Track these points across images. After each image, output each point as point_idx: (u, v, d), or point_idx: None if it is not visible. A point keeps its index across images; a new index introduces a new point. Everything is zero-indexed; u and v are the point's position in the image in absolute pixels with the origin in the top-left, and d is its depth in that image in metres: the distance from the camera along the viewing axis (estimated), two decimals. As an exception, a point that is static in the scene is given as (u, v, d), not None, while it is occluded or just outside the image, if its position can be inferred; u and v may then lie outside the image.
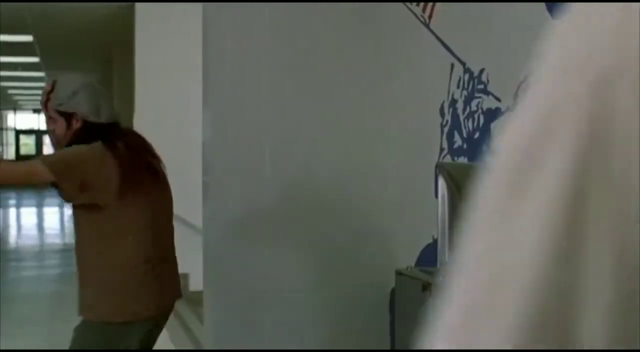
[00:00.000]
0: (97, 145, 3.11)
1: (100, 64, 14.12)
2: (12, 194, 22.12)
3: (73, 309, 6.79)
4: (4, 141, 32.06)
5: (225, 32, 4.05)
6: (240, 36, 4.06)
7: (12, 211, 17.93)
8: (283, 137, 4.13)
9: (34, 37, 11.04)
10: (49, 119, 3.16)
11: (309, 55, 4.17)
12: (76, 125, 3.13)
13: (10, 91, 23.15)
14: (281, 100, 4.12)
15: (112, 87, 13.39)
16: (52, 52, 12.79)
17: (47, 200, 20.45)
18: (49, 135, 3.21)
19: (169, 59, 5.71)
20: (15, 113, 32.32)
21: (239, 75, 4.06)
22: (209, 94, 4.08)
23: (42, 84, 19.53)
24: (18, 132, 31.88)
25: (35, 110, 31.98)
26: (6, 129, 32.74)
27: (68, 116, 3.12)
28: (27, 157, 30.65)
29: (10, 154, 31.12)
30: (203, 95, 4.20)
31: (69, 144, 3.07)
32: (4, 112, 32.43)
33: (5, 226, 15.05)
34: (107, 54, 12.64)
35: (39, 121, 32.49)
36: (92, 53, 13.07)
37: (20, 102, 28.85)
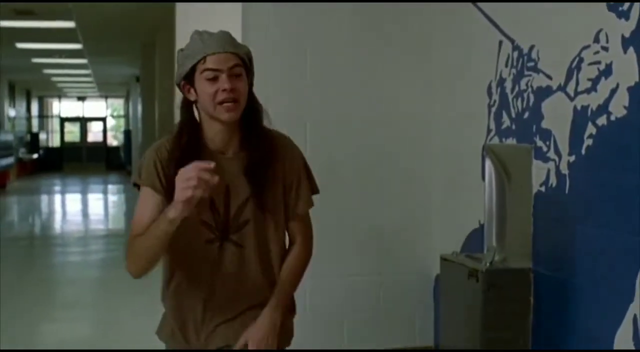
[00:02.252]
0: None
1: (143, 50, 14.16)
2: (57, 181, 22.42)
3: (116, 294, 6.82)
4: (49, 129, 32.50)
5: (265, 17, 3.98)
6: (279, 21, 4.00)
7: (57, 197, 18.16)
8: (324, 119, 4.05)
9: (76, 23, 11.08)
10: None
11: (350, 38, 4.08)
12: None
13: (54, 79, 23.38)
14: (323, 83, 4.05)
15: (154, 72, 13.42)
16: (94, 38, 12.82)
17: (91, 186, 20.69)
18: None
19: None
20: (60, 101, 32.70)
21: (278, 60, 3.99)
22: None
23: (85, 71, 19.76)
24: (63, 120, 32.24)
25: (80, 98, 32.35)
26: (51, 117, 33.16)
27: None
28: (72, 144, 31.11)
29: (55, 141, 31.57)
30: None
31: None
32: (49, 99, 32.85)
33: (51, 212, 15.24)
34: (150, 39, 12.66)
35: (83, 109, 32.86)
36: (134, 38, 13.08)
37: (64, 90, 29.17)
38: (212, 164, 1.92)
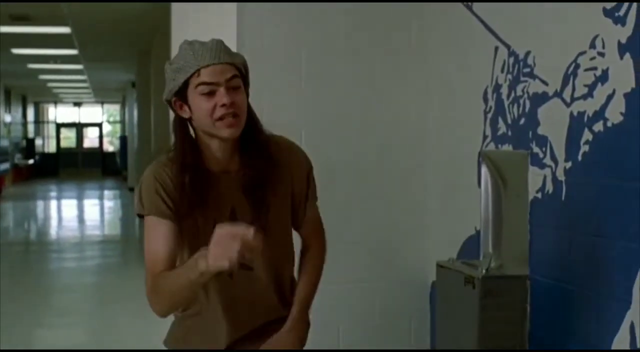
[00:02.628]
0: None
1: (138, 56, 14.17)
2: (53, 186, 22.40)
3: (111, 300, 6.81)
4: (45, 134, 32.49)
5: (260, 23, 3.98)
6: (274, 29, 3.99)
7: (53, 203, 18.15)
8: (319, 128, 4.04)
9: (72, 28, 11.08)
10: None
11: (347, 40, 4.07)
12: None
13: (50, 84, 23.38)
14: (318, 88, 4.04)
15: (150, 77, 13.43)
16: (90, 44, 12.83)
17: (87, 192, 20.67)
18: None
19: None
20: (55, 106, 32.69)
21: (274, 66, 3.98)
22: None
23: (81, 77, 19.76)
24: (59, 126, 32.24)
25: (76, 104, 32.32)
26: (47, 122, 33.16)
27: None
28: (68, 150, 31.10)
29: (51, 147, 31.55)
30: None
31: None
32: (45, 105, 32.85)
33: (47, 218, 15.22)
34: (145, 45, 12.66)
35: (79, 114, 32.85)
36: (130, 44, 13.10)
37: (60, 95, 29.16)
38: (257, 241, 1.72)
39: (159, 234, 1.97)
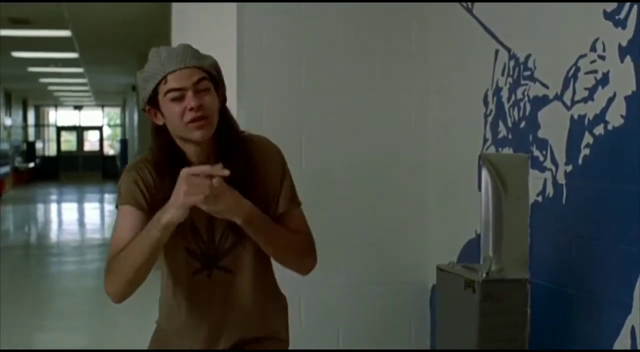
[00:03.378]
0: None
1: (138, 59, 14.16)
2: (53, 190, 22.40)
3: (111, 303, 6.80)
4: (46, 138, 32.49)
5: (259, 27, 3.97)
6: (274, 31, 3.99)
7: (54, 206, 18.15)
8: (319, 130, 4.04)
9: (72, 32, 11.09)
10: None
11: (346, 43, 4.07)
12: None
13: (51, 88, 23.40)
14: (317, 93, 4.04)
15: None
16: (91, 47, 12.83)
17: (88, 196, 20.68)
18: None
19: (206, 54, 5.67)
20: (56, 110, 32.71)
21: (273, 70, 3.99)
22: (244, 88, 4.01)
23: (81, 80, 19.76)
24: (59, 129, 32.24)
25: (76, 107, 32.33)
26: (48, 126, 33.16)
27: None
28: (69, 153, 31.11)
29: (51, 150, 31.55)
30: (237, 89, 4.13)
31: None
32: (45, 108, 32.86)
33: (47, 221, 15.22)
34: (146, 48, 12.65)
35: (79, 118, 32.85)
36: (130, 48, 13.10)
37: (61, 99, 29.18)
38: (225, 172, 1.82)
39: (129, 223, 2.00)
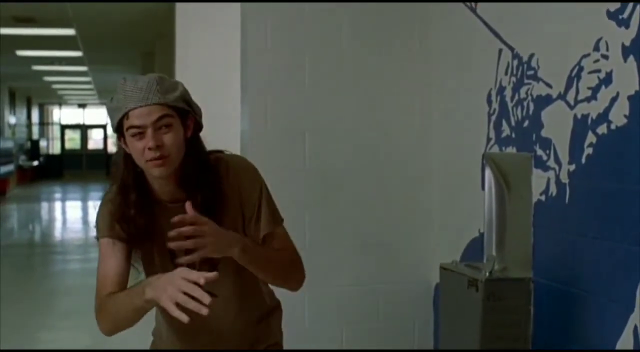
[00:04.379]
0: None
1: (142, 58, 14.19)
2: (57, 188, 22.42)
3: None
4: (50, 136, 32.53)
5: (263, 26, 3.98)
6: (278, 30, 3.99)
7: (58, 205, 18.17)
8: (322, 128, 4.05)
9: (76, 30, 11.10)
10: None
11: (350, 43, 4.07)
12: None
13: (55, 86, 23.41)
14: (320, 92, 4.04)
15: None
16: (94, 46, 12.85)
17: (92, 194, 20.70)
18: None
19: (209, 53, 5.68)
20: (60, 108, 32.74)
21: (277, 69, 3.99)
22: (248, 87, 4.01)
23: (85, 78, 19.74)
24: (63, 127, 32.27)
25: (80, 105, 32.36)
26: (52, 124, 33.20)
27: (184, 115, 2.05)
28: (73, 152, 31.13)
29: (55, 148, 31.58)
30: (241, 88, 4.14)
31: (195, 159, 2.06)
32: (49, 107, 32.90)
33: (51, 219, 15.24)
34: (149, 47, 12.68)
35: (83, 116, 32.88)
36: (133, 46, 13.11)
37: (65, 97, 29.19)
38: (213, 276, 1.78)
39: (110, 255, 2.02)
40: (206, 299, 1.74)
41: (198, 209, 1.94)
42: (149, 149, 1.93)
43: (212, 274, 1.78)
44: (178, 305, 1.76)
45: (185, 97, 2.03)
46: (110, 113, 2.01)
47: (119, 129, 1.99)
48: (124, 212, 2.02)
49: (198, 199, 1.99)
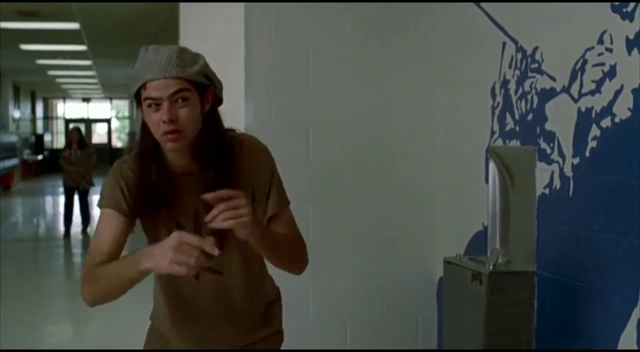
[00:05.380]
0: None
1: (146, 52, 14.18)
2: (61, 182, 22.44)
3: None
4: (54, 130, 32.55)
5: (267, 20, 3.97)
6: (282, 25, 3.99)
7: (62, 199, 18.19)
8: (326, 123, 4.04)
9: (80, 24, 11.09)
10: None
11: (354, 37, 4.06)
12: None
13: (59, 80, 23.41)
14: (324, 87, 4.04)
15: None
16: (99, 40, 12.84)
17: (96, 188, 20.74)
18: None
19: (213, 47, 5.69)
20: (64, 102, 32.76)
21: (281, 64, 3.99)
22: (252, 82, 4.01)
23: (89, 72, 19.71)
24: (67, 121, 32.28)
25: (85, 99, 32.38)
26: (56, 118, 33.21)
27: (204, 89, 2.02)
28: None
29: (60, 142, 31.60)
30: (245, 83, 4.14)
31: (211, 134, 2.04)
32: (53, 101, 32.91)
33: (55, 213, 15.26)
34: (153, 41, 12.66)
35: (87, 110, 32.90)
36: (138, 40, 13.12)
37: (69, 91, 29.20)
38: (215, 252, 1.74)
39: (110, 226, 1.99)
40: (215, 251, 1.72)
41: (211, 183, 1.92)
42: (163, 122, 1.91)
43: (211, 246, 1.73)
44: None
45: (205, 71, 2.00)
46: (130, 80, 1.98)
47: (137, 97, 1.97)
48: (140, 180, 2.00)
49: (211, 174, 1.97)
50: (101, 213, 2.03)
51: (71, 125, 32.04)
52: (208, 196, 1.81)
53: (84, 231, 11.23)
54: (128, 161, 2.06)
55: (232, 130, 2.14)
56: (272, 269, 2.22)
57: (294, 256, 2.12)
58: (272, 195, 2.09)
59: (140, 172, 2.01)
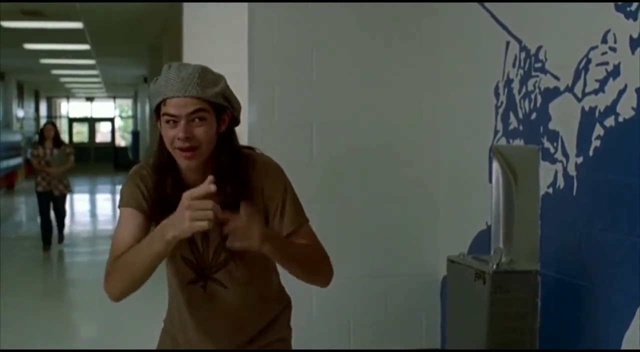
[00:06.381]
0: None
1: (150, 50, 14.18)
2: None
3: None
4: (58, 129, 32.59)
5: (270, 18, 3.98)
6: (285, 23, 3.99)
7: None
8: (330, 121, 4.05)
9: (84, 23, 11.10)
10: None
11: (357, 36, 4.06)
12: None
13: (62, 79, 23.43)
14: (328, 85, 4.04)
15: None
16: (102, 39, 12.85)
17: (99, 187, 20.75)
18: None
19: (217, 45, 5.69)
20: (68, 101, 32.79)
21: (284, 61, 3.99)
22: (255, 79, 4.02)
23: (93, 72, 19.73)
24: (71, 121, 32.32)
25: (88, 98, 32.40)
26: (59, 117, 33.25)
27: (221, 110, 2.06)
28: (80, 145, 31.16)
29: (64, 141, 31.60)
30: (249, 81, 4.14)
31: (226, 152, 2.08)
32: (57, 100, 32.94)
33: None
34: (157, 40, 12.67)
35: (91, 109, 32.93)
36: (141, 39, 13.11)
37: (73, 90, 29.23)
38: (212, 188, 1.80)
39: (131, 223, 2.03)
40: (212, 187, 1.79)
41: (227, 200, 1.95)
42: (179, 139, 1.96)
43: (211, 187, 1.80)
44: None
45: (225, 93, 2.04)
46: (151, 95, 2.04)
47: (156, 111, 2.03)
48: (156, 188, 2.06)
49: (227, 191, 2.00)
50: (122, 212, 2.08)
51: (75, 124, 32.22)
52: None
53: (59, 241, 9.91)
54: (146, 168, 2.11)
55: (251, 148, 2.18)
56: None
57: (315, 266, 2.13)
58: (287, 213, 2.10)
59: (156, 182, 2.06)
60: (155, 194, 2.05)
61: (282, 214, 2.09)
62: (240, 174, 2.06)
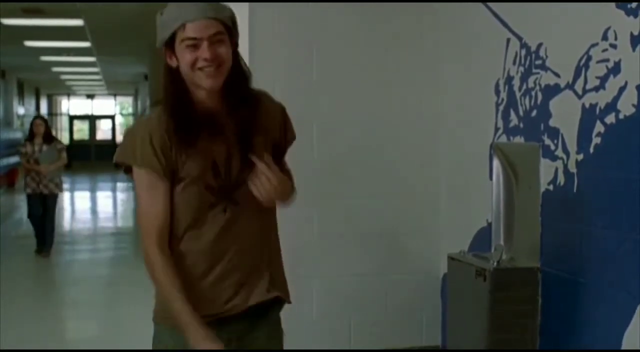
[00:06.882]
0: None
1: (150, 48, 14.18)
2: (65, 178, 22.46)
3: (124, 292, 6.82)
4: (58, 127, 32.58)
5: (271, 17, 3.98)
6: (286, 21, 3.99)
7: (66, 195, 18.20)
8: (331, 119, 4.05)
9: (84, 21, 11.10)
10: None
11: (357, 34, 4.06)
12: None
13: (63, 77, 23.42)
14: (329, 83, 4.04)
15: (162, 72, 13.41)
16: (103, 37, 12.84)
17: (100, 184, 20.76)
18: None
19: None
20: (69, 99, 32.79)
21: (285, 60, 3.99)
22: (255, 78, 4.00)
23: (94, 69, 19.70)
24: (72, 118, 32.33)
25: (89, 96, 32.40)
26: (60, 115, 33.25)
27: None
28: (81, 142, 31.19)
29: (64, 139, 31.64)
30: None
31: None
32: (58, 97, 32.94)
33: (59, 210, 15.28)
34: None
35: (92, 107, 32.93)
36: (142, 37, 13.10)
37: (73, 88, 29.23)
38: None
39: (157, 194, 2.05)
40: None
41: (239, 124, 2.07)
42: (205, 59, 2.01)
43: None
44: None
45: (234, 19, 2.12)
46: (162, 26, 2.06)
47: (168, 42, 2.04)
48: (176, 129, 2.06)
49: (240, 114, 2.08)
50: (138, 175, 2.08)
51: (75, 122, 32.21)
52: (256, 160, 2.04)
53: (41, 250, 8.93)
54: (154, 119, 2.09)
55: None
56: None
57: (290, 195, 2.25)
58: (289, 126, 2.29)
59: (172, 111, 2.07)
60: (175, 120, 2.05)
61: (287, 127, 2.28)
62: (251, 99, 2.14)
